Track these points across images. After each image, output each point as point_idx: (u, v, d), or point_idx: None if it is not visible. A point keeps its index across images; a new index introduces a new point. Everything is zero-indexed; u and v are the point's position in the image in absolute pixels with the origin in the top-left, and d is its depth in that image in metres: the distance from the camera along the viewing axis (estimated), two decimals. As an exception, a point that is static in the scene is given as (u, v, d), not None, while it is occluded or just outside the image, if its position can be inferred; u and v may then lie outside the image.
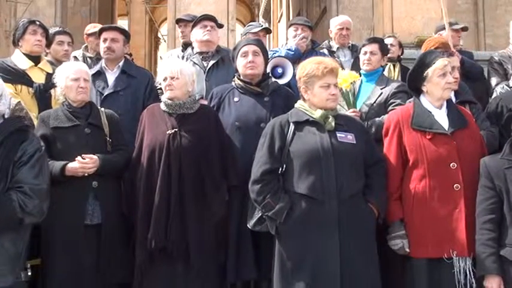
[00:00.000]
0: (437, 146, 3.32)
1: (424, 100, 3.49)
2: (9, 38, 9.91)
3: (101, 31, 4.73)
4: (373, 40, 4.71)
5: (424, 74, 3.44)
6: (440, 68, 3.42)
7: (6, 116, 2.98)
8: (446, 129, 3.37)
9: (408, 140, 3.39)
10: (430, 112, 3.44)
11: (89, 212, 3.64)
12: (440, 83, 3.42)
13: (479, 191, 3.21)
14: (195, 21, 4.81)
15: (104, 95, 4.45)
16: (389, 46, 5.24)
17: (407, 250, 3.33)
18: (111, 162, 3.69)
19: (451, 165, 3.29)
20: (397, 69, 5.30)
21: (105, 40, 4.62)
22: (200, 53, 4.72)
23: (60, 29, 5.43)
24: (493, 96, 4.79)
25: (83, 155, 3.59)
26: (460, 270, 3.20)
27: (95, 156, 3.62)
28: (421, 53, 3.84)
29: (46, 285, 3.59)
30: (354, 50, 5.61)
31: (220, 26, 5.08)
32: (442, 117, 3.43)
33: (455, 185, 3.27)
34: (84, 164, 3.58)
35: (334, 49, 5.67)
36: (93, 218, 3.64)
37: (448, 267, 3.22)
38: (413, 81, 3.55)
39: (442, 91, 3.43)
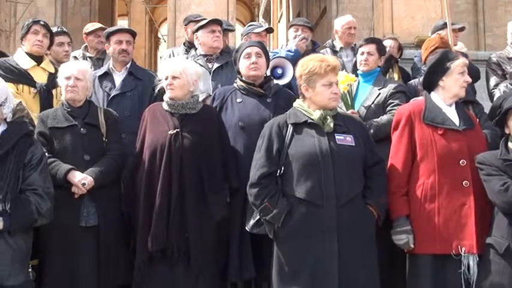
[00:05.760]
0: (449, 142, 3.32)
1: (436, 97, 3.49)
2: (9, 38, 9.94)
3: (113, 32, 4.66)
4: (370, 40, 4.68)
5: (446, 68, 3.44)
6: (461, 65, 3.45)
7: (8, 120, 3.06)
8: (458, 125, 3.38)
9: (419, 134, 3.38)
10: (441, 109, 3.44)
11: (84, 214, 3.62)
12: (460, 80, 3.44)
13: (489, 178, 3.18)
14: (203, 24, 4.77)
15: (111, 96, 4.43)
16: (388, 48, 5.23)
17: (412, 246, 3.31)
18: (104, 177, 3.66)
19: (460, 162, 3.28)
20: (396, 71, 5.29)
21: (120, 42, 4.56)
22: (204, 55, 4.71)
23: (59, 29, 5.38)
24: (495, 96, 4.80)
25: (83, 181, 3.58)
26: (467, 267, 3.19)
27: (90, 178, 3.61)
28: (443, 50, 3.83)
29: (42, 286, 3.58)
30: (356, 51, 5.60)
31: (231, 30, 5.02)
32: (453, 115, 3.44)
33: (464, 182, 3.27)
34: (81, 187, 3.58)
35: (337, 49, 5.66)
36: (88, 219, 3.63)
37: (454, 263, 3.21)
38: (432, 74, 3.52)
39: (459, 88, 3.45)
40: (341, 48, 5.63)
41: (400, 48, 5.77)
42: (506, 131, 3.30)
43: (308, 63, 3.38)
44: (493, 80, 5.13)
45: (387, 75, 4.99)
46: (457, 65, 3.45)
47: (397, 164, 3.41)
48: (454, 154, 3.30)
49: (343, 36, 5.63)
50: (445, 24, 5.26)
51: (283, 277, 3.21)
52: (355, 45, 5.68)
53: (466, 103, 3.89)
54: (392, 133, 3.54)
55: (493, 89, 5.06)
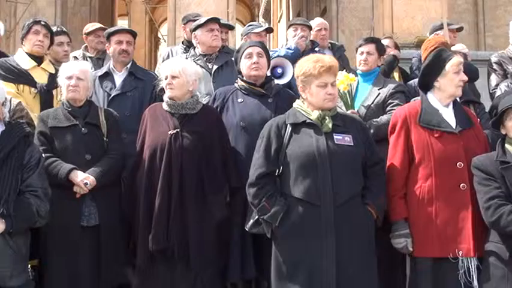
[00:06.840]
0: (445, 145, 3.30)
1: (432, 98, 3.46)
2: (9, 38, 9.93)
3: (113, 33, 4.67)
4: (369, 40, 4.68)
5: (441, 69, 3.42)
6: (456, 64, 3.42)
7: (7, 119, 3.08)
8: (454, 127, 3.36)
9: (415, 138, 3.37)
10: (438, 110, 3.42)
11: (85, 214, 3.63)
12: (455, 79, 3.41)
13: (479, 187, 3.17)
14: (202, 22, 4.77)
15: (111, 96, 4.44)
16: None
17: (411, 249, 3.31)
18: (106, 177, 3.67)
19: (457, 164, 3.27)
20: (396, 71, 5.30)
21: (120, 42, 4.57)
22: (204, 55, 4.72)
23: (59, 29, 5.38)
24: (496, 95, 4.81)
25: (85, 181, 3.58)
26: (465, 270, 3.18)
27: (92, 178, 3.61)
28: (437, 49, 3.83)
29: (42, 286, 3.59)
30: (336, 49, 5.64)
31: (231, 27, 5.02)
32: (449, 116, 3.41)
33: (461, 185, 3.26)
34: (83, 187, 3.58)
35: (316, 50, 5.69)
36: (89, 219, 3.63)
37: (452, 267, 3.20)
38: (427, 76, 3.50)
39: (455, 88, 3.42)
40: (319, 50, 5.65)
41: (397, 47, 5.78)
42: (503, 132, 3.27)
43: (303, 64, 3.37)
44: (494, 80, 5.13)
45: (390, 77, 5.00)
46: (452, 65, 3.42)
47: (395, 167, 3.40)
48: (451, 157, 3.28)
49: (316, 38, 5.72)
50: (443, 24, 5.28)
51: (281, 277, 3.21)
52: (331, 44, 5.73)
53: (467, 103, 3.89)
54: (389, 136, 3.53)
55: (494, 88, 5.06)
